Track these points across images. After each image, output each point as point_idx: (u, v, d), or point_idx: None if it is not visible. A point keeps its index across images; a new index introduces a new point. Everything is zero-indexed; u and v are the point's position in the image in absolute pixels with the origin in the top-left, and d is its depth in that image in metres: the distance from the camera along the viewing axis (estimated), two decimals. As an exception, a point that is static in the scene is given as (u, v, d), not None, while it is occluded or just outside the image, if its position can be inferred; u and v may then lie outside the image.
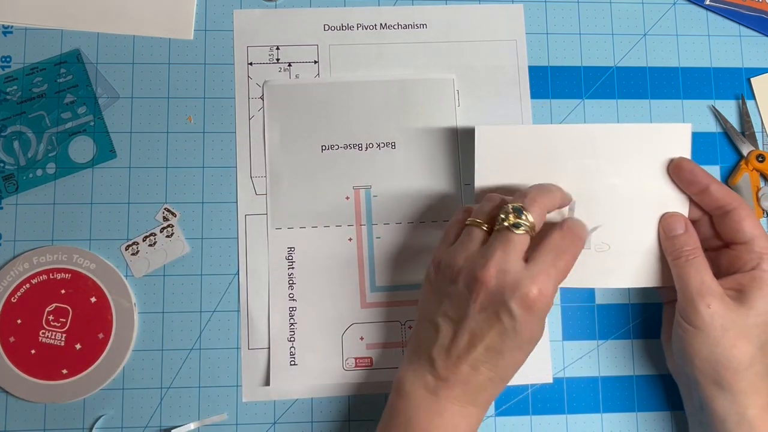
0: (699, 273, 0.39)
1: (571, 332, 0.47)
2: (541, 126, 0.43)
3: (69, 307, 0.45)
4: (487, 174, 0.43)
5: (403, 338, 0.46)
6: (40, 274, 0.45)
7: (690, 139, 0.42)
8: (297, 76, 0.48)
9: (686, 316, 0.38)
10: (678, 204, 0.42)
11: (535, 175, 0.42)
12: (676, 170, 0.41)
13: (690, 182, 0.41)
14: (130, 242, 0.46)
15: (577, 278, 0.40)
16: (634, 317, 0.47)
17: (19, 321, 0.45)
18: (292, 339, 0.46)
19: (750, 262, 0.39)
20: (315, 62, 0.49)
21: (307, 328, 0.46)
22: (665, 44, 0.50)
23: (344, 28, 0.49)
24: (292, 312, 0.46)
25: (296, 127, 0.48)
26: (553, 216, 0.41)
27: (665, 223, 0.41)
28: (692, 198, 0.41)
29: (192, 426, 0.45)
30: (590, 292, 0.47)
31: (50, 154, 0.47)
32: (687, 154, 0.42)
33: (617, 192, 0.42)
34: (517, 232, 0.37)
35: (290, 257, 0.47)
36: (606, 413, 0.46)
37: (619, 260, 0.42)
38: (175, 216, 0.47)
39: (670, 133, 0.42)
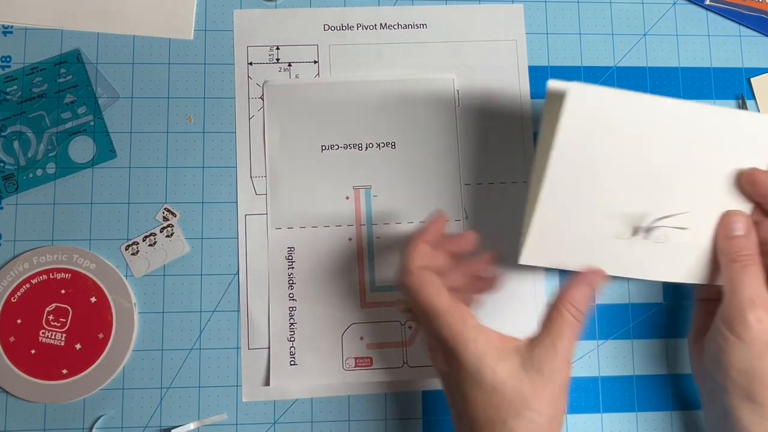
0: (753, 281, 0.36)
1: (571, 332, 0.47)
2: (640, 95, 0.36)
3: (69, 307, 0.45)
4: (567, 146, 0.36)
5: (403, 338, 0.46)
6: (40, 274, 0.45)
7: None
8: (297, 76, 0.48)
9: (731, 324, 0.36)
10: (742, 202, 0.39)
11: (616, 153, 0.37)
12: (749, 183, 0.38)
13: (765, 197, 0.37)
14: (130, 242, 0.46)
15: (622, 267, 0.39)
16: (634, 317, 0.47)
17: (19, 321, 0.45)
18: (292, 339, 0.46)
19: None
20: (315, 62, 0.49)
21: (307, 328, 0.46)
22: (665, 44, 0.50)
23: (344, 28, 0.49)
24: (292, 312, 0.46)
25: (296, 127, 0.48)
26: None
27: (726, 221, 0.38)
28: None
29: (192, 426, 0.45)
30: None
31: (50, 154, 0.47)
32: None
33: (694, 183, 0.38)
34: None
35: (290, 257, 0.47)
36: (606, 413, 0.46)
37: (673, 253, 0.40)
38: (175, 216, 0.47)
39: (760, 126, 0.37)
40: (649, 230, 0.38)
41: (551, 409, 0.34)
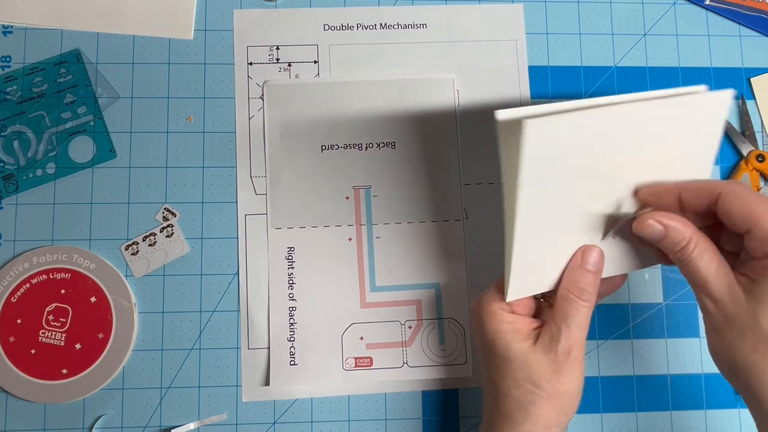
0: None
1: (571, 332, 0.47)
2: (588, 111, 0.34)
3: (69, 307, 0.45)
4: (532, 178, 0.34)
5: (403, 338, 0.46)
6: (40, 274, 0.45)
7: (727, 109, 0.37)
8: (297, 76, 0.48)
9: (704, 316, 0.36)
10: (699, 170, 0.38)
11: (575, 168, 0.36)
12: (653, 196, 0.37)
13: (672, 241, 0.36)
14: (130, 242, 0.46)
15: (611, 267, 0.39)
16: (634, 317, 0.47)
17: (19, 321, 0.45)
18: (292, 339, 0.46)
19: (757, 249, 0.33)
20: (315, 62, 0.49)
21: (307, 328, 0.46)
22: (665, 44, 0.50)
23: (344, 28, 0.49)
24: (292, 312, 0.46)
25: (296, 127, 0.48)
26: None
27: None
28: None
29: (192, 426, 0.45)
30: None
31: (50, 154, 0.47)
32: (721, 125, 0.37)
33: (649, 169, 0.37)
34: None
35: (290, 257, 0.47)
36: (606, 413, 0.46)
37: (641, 243, 0.39)
38: (175, 216, 0.47)
39: (708, 102, 0.37)
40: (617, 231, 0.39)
41: (552, 386, 0.36)
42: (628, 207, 0.38)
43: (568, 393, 0.37)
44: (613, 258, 0.40)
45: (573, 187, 0.36)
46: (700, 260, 0.35)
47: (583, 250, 0.38)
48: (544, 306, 0.41)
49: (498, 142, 0.36)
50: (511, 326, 0.38)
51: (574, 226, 0.38)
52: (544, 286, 0.39)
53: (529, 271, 0.38)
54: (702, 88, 0.38)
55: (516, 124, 0.33)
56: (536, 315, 0.40)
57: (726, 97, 0.37)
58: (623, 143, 0.36)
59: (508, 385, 0.37)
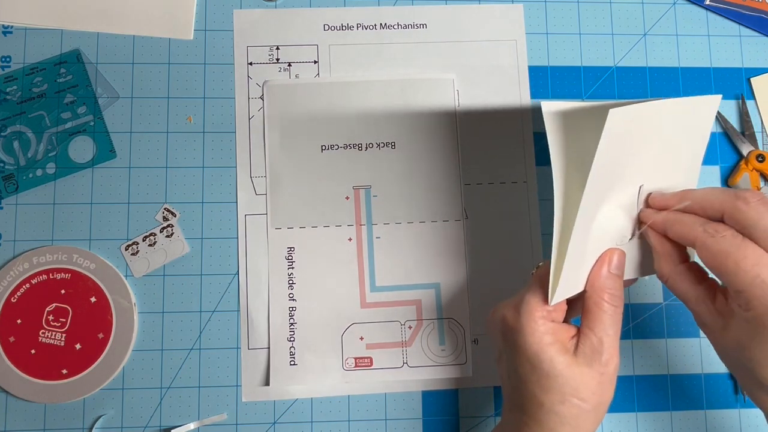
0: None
1: (571, 332, 0.47)
2: (659, 102, 0.35)
3: (69, 307, 0.45)
4: (600, 170, 0.34)
5: (403, 338, 0.46)
6: (40, 274, 0.45)
7: (715, 112, 0.39)
8: (297, 76, 0.48)
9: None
10: (688, 182, 0.39)
11: (626, 165, 0.36)
12: (655, 204, 0.38)
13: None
14: (130, 242, 0.46)
15: (629, 270, 0.39)
16: (634, 317, 0.47)
17: (19, 321, 0.45)
18: (292, 339, 0.46)
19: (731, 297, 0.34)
20: (315, 62, 0.49)
21: (307, 328, 0.46)
22: (665, 44, 0.50)
23: (344, 28, 0.49)
24: (292, 312, 0.46)
25: (296, 127, 0.48)
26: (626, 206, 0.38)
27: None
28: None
29: (192, 426, 0.45)
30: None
31: (50, 154, 0.47)
32: (709, 128, 0.39)
33: (657, 173, 0.38)
34: None
35: (290, 257, 0.47)
36: (606, 413, 0.46)
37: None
38: (175, 216, 0.47)
39: (699, 105, 0.38)
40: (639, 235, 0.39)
41: (597, 398, 0.36)
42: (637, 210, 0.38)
43: (608, 401, 0.37)
44: (634, 261, 0.39)
45: (616, 184, 0.36)
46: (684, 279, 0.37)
47: (610, 254, 0.38)
48: (576, 311, 0.40)
49: (548, 141, 0.35)
50: (553, 338, 0.36)
51: (609, 225, 0.38)
52: (580, 286, 0.38)
53: (574, 272, 0.37)
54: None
55: (586, 114, 0.33)
56: (568, 322, 0.39)
57: (715, 100, 0.38)
58: (639, 142, 0.36)
59: (552, 400, 0.36)
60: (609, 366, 0.36)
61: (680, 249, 0.37)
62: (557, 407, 0.36)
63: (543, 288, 0.37)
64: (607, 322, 0.36)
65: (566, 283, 0.37)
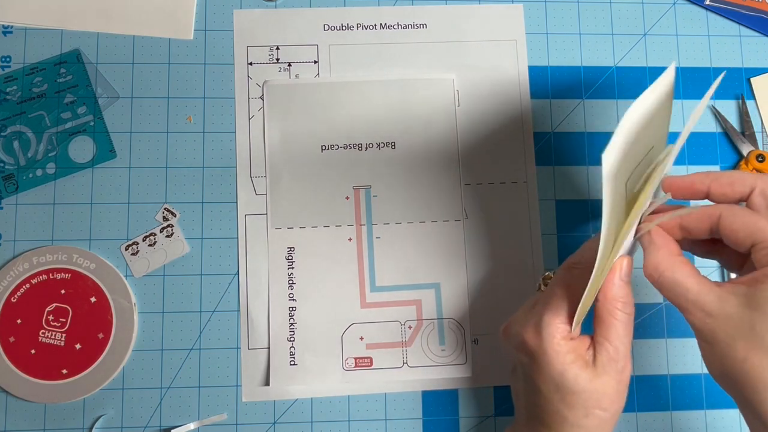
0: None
1: (571, 332, 0.47)
2: (632, 112, 0.35)
3: (69, 307, 0.45)
4: (612, 203, 0.33)
5: (403, 338, 0.46)
6: (40, 274, 0.45)
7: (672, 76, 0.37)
8: (297, 76, 0.48)
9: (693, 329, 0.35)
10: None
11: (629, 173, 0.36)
12: (673, 188, 0.37)
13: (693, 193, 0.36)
14: (130, 242, 0.46)
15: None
16: (635, 317, 0.47)
17: (19, 321, 0.45)
18: (292, 339, 0.46)
19: (764, 258, 0.33)
20: (315, 62, 0.49)
21: (307, 328, 0.46)
22: (665, 44, 0.50)
23: (344, 28, 0.49)
24: (292, 312, 0.46)
25: (296, 127, 0.48)
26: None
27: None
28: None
29: (192, 426, 0.45)
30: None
31: (50, 154, 0.47)
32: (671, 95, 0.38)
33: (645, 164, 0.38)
34: None
35: (290, 257, 0.47)
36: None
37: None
38: (175, 216, 0.47)
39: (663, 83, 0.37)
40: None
41: (616, 405, 0.36)
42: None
43: (623, 406, 0.37)
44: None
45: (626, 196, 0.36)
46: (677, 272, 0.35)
47: (620, 262, 0.37)
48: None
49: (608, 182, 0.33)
50: (575, 355, 0.36)
51: (623, 236, 0.37)
52: (593, 298, 0.37)
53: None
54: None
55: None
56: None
57: (669, 71, 0.37)
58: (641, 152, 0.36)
59: (576, 415, 0.36)
60: (625, 373, 0.36)
61: (676, 242, 0.36)
62: (582, 421, 0.36)
63: (562, 308, 0.37)
64: (621, 331, 0.36)
65: (588, 306, 0.36)
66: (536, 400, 0.38)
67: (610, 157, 0.32)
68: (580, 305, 0.35)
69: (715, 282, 0.34)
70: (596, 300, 0.37)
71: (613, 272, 0.37)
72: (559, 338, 0.36)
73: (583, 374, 0.36)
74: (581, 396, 0.36)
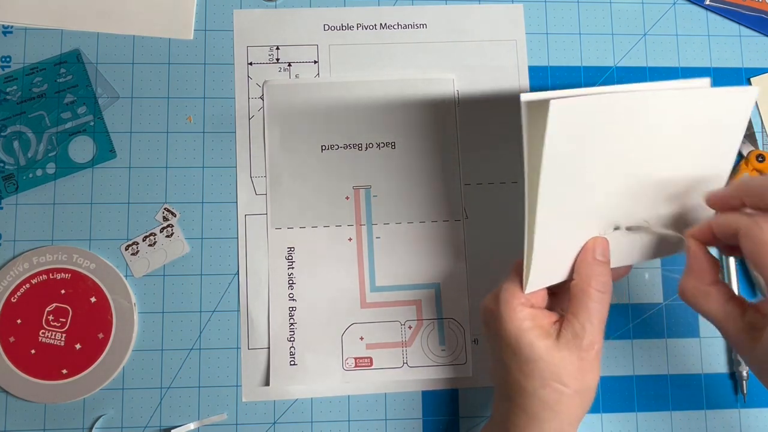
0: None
1: (571, 332, 0.47)
2: (615, 94, 0.34)
3: (69, 307, 0.45)
4: (555, 163, 0.34)
5: (403, 338, 0.46)
6: (40, 274, 0.45)
7: (751, 107, 0.37)
8: (297, 76, 0.48)
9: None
10: (717, 180, 0.38)
11: (596, 156, 0.36)
12: (714, 201, 0.36)
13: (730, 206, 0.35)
14: (130, 242, 0.46)
15: (616, 258, 0.39)
16: (634, 317, 0.47)
17: (19, 321, 0.45)
18: (292, 339, 0.46)
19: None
20: (315, 62, 0.49)
21: (307, 328, 0.46)
22: (665, 44, 0.50)
23: (344, 28, 0.49)
24: (292, 312, 0.46)
25: (296, 127, 0.48)
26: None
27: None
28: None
29: (192, 426, 0.45)
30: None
31: (50, 154, 0.47)
32: (744, 123, 0.37)
33: (669, 166, 0.37)
34: None
35: (290, 257, 0.47)
36: (606, 413, 0.46)
37: (652, 237, 0.39)
38: (175, 216, 0.47)
39: (732, 99, 0.36)
40: (629, 228, 0.39)
41: (578, 382, 0.36)
42: (647, 201, 0.38)
43: (591, 387, 0.37)
44: (622, 249, 0.39)
45: (594, 174, 0.36)
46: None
47: (593, 242, 0.38)
48: (560, 298, 0.40)
49: (522, 130, 0.35)
50: (533, 323, 0.37)
51: (591, 215, 0.38)
52: (560, 276, 0.39)
53: (548, 261, 0.37)
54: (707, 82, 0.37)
55: (541, 107, 0.33)
56: (550, 307, 0.40)
57: (752, 93, 0.36)
58: (645, 132, 0.36)
59: (534, 385, 0.37)
60: (590, 351, 0.36)
61: (713, 268, 0.36)
62: (539, 391, 0.36)
63: (520, 276, 0.38)
64: (592, 308, 0.36)
65: (541, 272, 0.37)
66: (501, 372, 0.39)
67: (531, 97, 0.33)
68: (524, 264, 0.37)
69: (749, 303, 0.35)
70: (572, 278, 0.38)
71: (586, 251, 0.38)
72: (515, 303, 0.37)
73: (540, 343, 0.36)
74: (537, 365, 0.36)
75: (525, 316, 0.37)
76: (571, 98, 0.33)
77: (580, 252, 0.38)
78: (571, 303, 0.37)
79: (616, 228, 0.39)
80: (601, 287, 0.37)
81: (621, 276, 0.41)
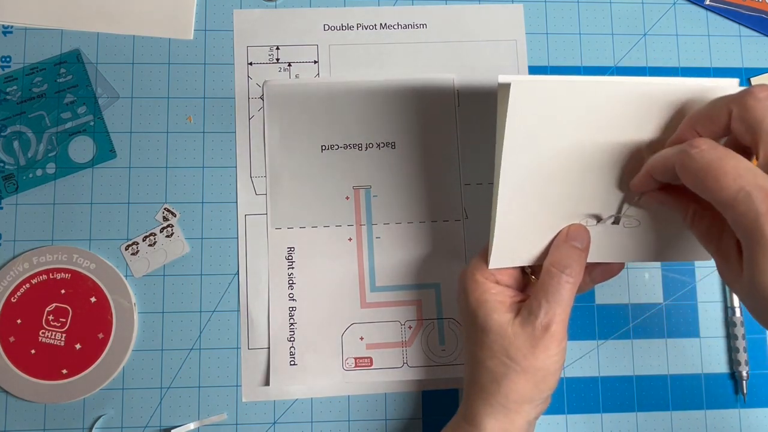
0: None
1: (571, 332, 0.46)
2: (584, 79, 0.35)
3: (69, 307, 0.45)
4: (517, 140, 0.35)
5: (403, 338, 0.46)
6: (40, 274, 0.45)
7: None
8: (297, 76, 0.49)
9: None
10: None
11: (566, 140, 0.36)
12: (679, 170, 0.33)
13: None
14: (130, 242, 0.46)
15: (604, 253, 0.39)
16: (634, 317, 0.47)
17: (19, 321, 0.45)
18: (292, 339, 0.46)
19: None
20: (315, 62, 0.49)
21: (307, 328, 0.46)
22: (665, 44, 0.50)
23: (344, 28, 0.49)
24: (292, 312, 0.46)
25: (296, 127, 0.48)
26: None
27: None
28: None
29: (192, 426, 0.45)
30: (590, 292, 0.47)
31: (50, 154, 0.47)
32: None
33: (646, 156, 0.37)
34: None
35: (290, 257, 0.47)
36: (606, 413, 0.46)
37: (648, 236, 0.39)
38: (175, 216, 0.47)
39: (716, 90, 0.35)
40: (616, 218, 0.39)
41: (528, 361, 0.36)
42: (620, 193, 0.38)
43: (543, 369, 0.37)
44: (609, 245, 0.40)
45: (564, 160, 0.37)
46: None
47: (570, 227, 0.38)
48: (534, 282, 0.41)
49: (498, 109, 0.37)
50: (493, 297, 0.38)
51: (566, 203, 0.38)
52: (530, 259, 0.39)
53: (515, 241, 0.38)
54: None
55: (507, 88, 0.35)
56: (524, 290, 0.40)
57: (731, 85, 0.35)
58: (617, 123, 0.36)
59: (484, 355, 0.37)
60: (545, 331, 0.36)
61: (684, 205, 0.35)
62: (487, 362, 0.37)
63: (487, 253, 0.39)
64: (551, 289, 0.36)
65: (505, 250, 0.38)
66: (465, 344, 0.40)
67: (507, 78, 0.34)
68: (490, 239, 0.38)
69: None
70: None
71: (560, 236, 0.38)
72: (478, 276, 0.39)
73: (496, 316, 0.37)
74: (489, 336, 0.37)
75: (487, 288, 0.38)
76: (532, 80, 0.34)
77: (558, 236, 0.39)
78: (538, 284, 0.37)
79: (599, 220, 0.39)
80: (564, 270, 0.37)
81: (613, 274, 0.41)
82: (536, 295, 0.37)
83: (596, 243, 0.39)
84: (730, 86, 0.35)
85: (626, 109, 0.36)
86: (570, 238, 0.38)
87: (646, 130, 0.36)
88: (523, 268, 0.40)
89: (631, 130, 0.36)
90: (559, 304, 0.36)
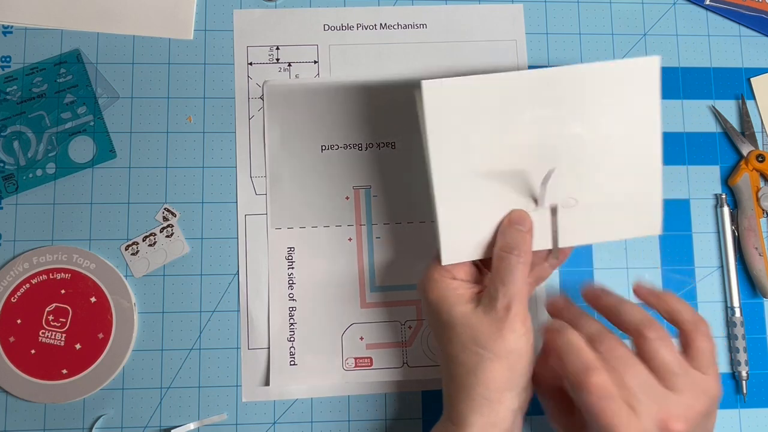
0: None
1: (571, 332, 0.47)
2: (493, 75, 0.37)
3: (69, 307, 0.45)
4: (441, 140, 0.37)
5: (403, 338, 0.46)
6: (40, 274, 0.45)
7: (658, 74, 0.38)
8: (297, 76, 0.49)
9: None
10: (647, 148, 0.39)
11: (491, 135, 0.38)
12: (648, 296, 0.41)
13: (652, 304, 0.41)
14: (130, 242, 0.46)
15: (544, 240, 0.40)
16: (634, 317, 0.47)
17: (19, 321, 0.45)
18: (292, 339, 0.46)
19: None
20: (315, 62, 0.49)
21: (307, 328, 0.46)
22: (665, 44, 0.50)
23: (344, 28, 0.49)
24: (292, 312, 0.46)
25: (296, 127, 0.48)
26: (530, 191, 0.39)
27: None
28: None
29: (192, 426, 0.45)
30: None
31: (50, 154, 0.47)
32: (656, 91, 0.38)
33: (581, 141, 0.38)
34: None
35: (290, 257, 0.47)
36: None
37: (588, 214, 0.40)
38: (175, 216, 0.47)
39: (637, 69, 0.38)
40: (551, 202, 0.39)
41: (498, 345, 0.37)
42: (568, 179, 0.39)
43: (515, 351, 0.37)
44: (565, 228, 0.40)
45: (492, 153, 0.38)
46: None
47: (511, 214, 0.39)
48: (488, 274, 0.41)
49: (419, 115, 0.38)
50: (453, 291, 0.39)
51: (504, 193, 0.39)
52: (480, 251, 0.40)
53: (462, 235, 0.39)
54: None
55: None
56: (480, 283, 0.41)
57: (653, 62, 0.37)
58: (533, 110, 0.38)
59: (455, 350, 0.38)
60: (506, 313, 0.37)
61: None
62: (460, 356, 0.37)
63: None
64: (505, 272, 0.37)
65: (455, 246, 0.39)
66: (436, 345, 0.41)
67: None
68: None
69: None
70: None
71: (503, 223, 0.39)
72: (435, 275, 0.40)
73: (458, 308, 0.38)
74: (456, 330, 0.38)
75: (445, 285, 0.39)
76: (442, 79, 0.36)
77: (502, 223, 0.40)
78: (492, 271, 0.39)
79: (537, 203, 0.39)
80: (512, 251, 0.38)
81: (566, 254, 0.42)
82: (492, 281, 0.38)
83: (540, 230, 0.40)
84: (650, 65, 0.37)
85: (540, 96, 0.37)
86: (513, 222, 0.39)
87: (561, 111, 0.38)
88: (477, 264, 0.41)
89: (546, 114, 0.38)
90: (514, 284, 0.37)
